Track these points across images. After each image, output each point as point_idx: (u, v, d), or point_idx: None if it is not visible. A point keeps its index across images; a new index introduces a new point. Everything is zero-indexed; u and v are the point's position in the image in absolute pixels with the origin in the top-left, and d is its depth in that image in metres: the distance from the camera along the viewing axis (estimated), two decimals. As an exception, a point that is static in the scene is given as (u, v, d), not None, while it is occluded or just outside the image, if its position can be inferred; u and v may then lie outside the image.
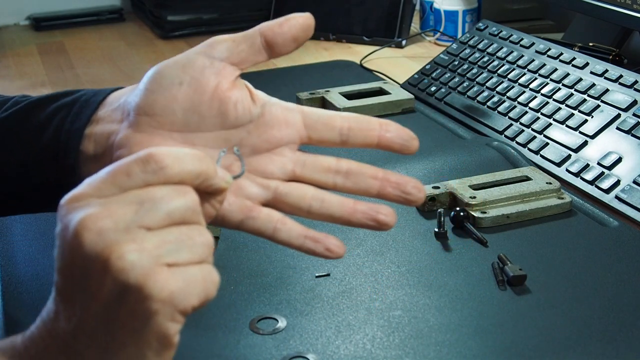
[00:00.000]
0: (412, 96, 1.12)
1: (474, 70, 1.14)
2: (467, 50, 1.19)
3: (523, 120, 1.00)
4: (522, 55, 1.11)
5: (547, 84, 1.03)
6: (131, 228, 0.42)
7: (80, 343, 0.44)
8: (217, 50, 0.56)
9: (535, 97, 1.03)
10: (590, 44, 1.16)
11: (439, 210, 0.77)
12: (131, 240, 0.42)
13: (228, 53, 0.56)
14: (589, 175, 0.87)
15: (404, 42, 1.47)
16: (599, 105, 0.95)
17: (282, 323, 0.64)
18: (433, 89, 1.16)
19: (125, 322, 0.43)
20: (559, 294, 0.67)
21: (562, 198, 0.81)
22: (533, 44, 1.12)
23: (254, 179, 0.55)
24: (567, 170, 0.90)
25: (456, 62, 1.18)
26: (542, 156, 0.94)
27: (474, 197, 0.80)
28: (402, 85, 1.22)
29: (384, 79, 1.25)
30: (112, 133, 0.56)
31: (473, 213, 0.78)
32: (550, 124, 0.97)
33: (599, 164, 0.88)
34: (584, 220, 0.79)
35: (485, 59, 1.15)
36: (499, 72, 1.11)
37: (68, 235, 0.43)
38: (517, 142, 0.98)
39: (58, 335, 0.45)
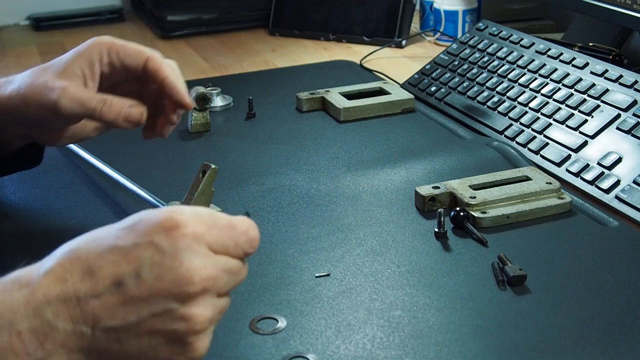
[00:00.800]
0: (412, 96, 1.12)
1: (474, 70, 1.14)
2: (467, 50, 1.19)
3: (523, 120, 1.00)
4: (522, 55, 1.11)
5: (547, 84, 1.03)
6: (217, 295, 0.52)
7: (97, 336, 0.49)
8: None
9: (535, 97, 1.03)
10: (590, 44, 1.16)
11: (439, 210, 0.77)
12: (211, 307, 0.51)
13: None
14: (589, 175, 0.87)
15: (404, 42, 1.47)
16: (599, 105, 0.95)
17: (282, 323, 0.64)
18: (433, 89, 1.16)
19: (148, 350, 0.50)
20: (559, 294, 0.67)
21: (562, 198, 0.81)
22: (533, 44, 1.12)
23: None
24: (567, 170, 0.90)
25: (456, 62, 1.18)
26: (542, 156, 0.94)
27: (474, 197, 0.80)
28: (402, 85, 1.22)
29: (384, 79, 1.25)
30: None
31: (473, 213, 0.78)
32: (550, 124, 0.97)
33: (599, 164, 0.88)
34: (584, 220, 0.79)
35: (485, 59, 1.15)
36: (499, 72, 1.11)
37: (177, 264, 0.49)
38: (517, 142, 0.98)
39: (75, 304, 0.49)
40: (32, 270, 0.49)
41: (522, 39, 1.14)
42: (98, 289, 0.48)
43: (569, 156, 0.92)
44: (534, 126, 0.99)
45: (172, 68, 0.73)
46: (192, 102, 0.73)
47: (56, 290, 0.48)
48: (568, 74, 1.02)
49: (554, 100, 1.00)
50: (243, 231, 0.53)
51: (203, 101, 1.04)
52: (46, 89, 0.71)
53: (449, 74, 1.17)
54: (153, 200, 0.81)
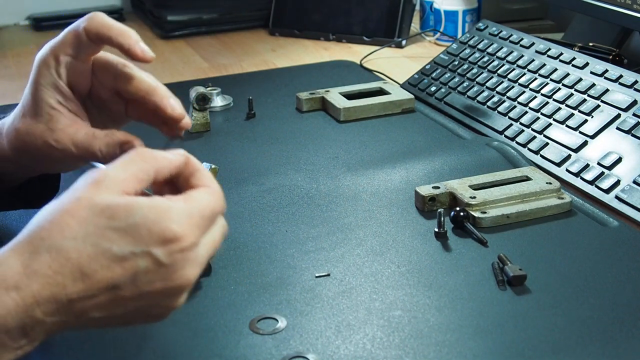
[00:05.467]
0: (412, 96, 1.12)
1: (474, 70, 1.14)
2: (467, 50, 1.19)
3: (523, 120, 1.00)
4: (522, 55, 1.11)
5: (547, 84, 1.03)
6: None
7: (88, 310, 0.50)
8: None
9: (535, 97, 1.03)
10: (590, 44, 1.16)
11: (439, 210, 0.77)
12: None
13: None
14: (589, 175, 0.87)
15: (404, 42, 1.47)
16: (599, 105, 0.95)
17: (282, 323, 0.64)
18: (433, 89, 1.16)
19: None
20: (559, 294, 0.67)
21: (562, 198, 0.81)
22: (533, 44, 1.12)
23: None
24: (567, 170, 0.90)
25: (456, 62, 1.18)
26: (542, 156, 0.94)
27: (474, 197, 0.80)
28: (402, 85, 1.22)
29: (384, 79, 1.25)
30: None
31: (473, 213, 0.78)
32: (550, 124, 0.97)
33: (599, 164, 0.88)
34: (584, 220, 0.79)
35: (485, 59, 1.15)
36: (499, 72, 1.11)
37: (171, 273, 0.51)
38: (517, 142, 0.98)
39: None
40: (16, 268, 0.48)
41: (522, 39, 1.14)
42: (91, 292, 0.49)
43: (569, 156, 0.92)
44: (534, 126, 0.98)
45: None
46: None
47: (47, 293, 0.48)
48: (568, 74, 1.02)
49: (554, 100, 1.00)
50: (220, 209, 0.55)
51: (203, 101, 1.04)
52: (39, 144, 0.66)
53: (449, 74, 1.17)
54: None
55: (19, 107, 0.68)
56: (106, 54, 0.69)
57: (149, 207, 0.50)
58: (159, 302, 0.52)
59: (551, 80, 1.03)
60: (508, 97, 1.06)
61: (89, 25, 0.68)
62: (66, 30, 0.68)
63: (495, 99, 1.07)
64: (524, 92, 1.05)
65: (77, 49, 0.67)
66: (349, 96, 1.12)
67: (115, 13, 1.77)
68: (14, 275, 0.48)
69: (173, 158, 0.55)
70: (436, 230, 0.77)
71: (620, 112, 0.92)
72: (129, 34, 0.66)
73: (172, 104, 0.65)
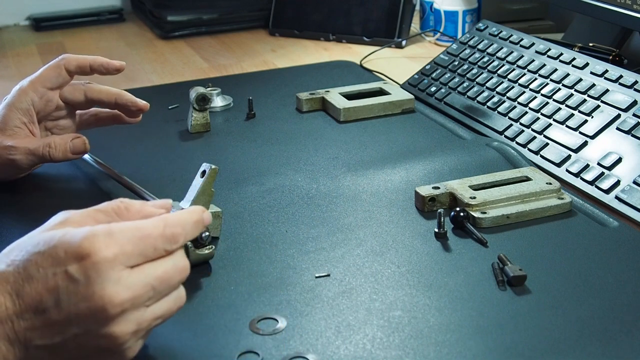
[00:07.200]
0: (412, 96, 1.12)
1: (474, 71, 1.14)
2: (467, 51, 1.19)
3: (523, 120, 1.00)
4: (522, 56, 1.11)
5: (547, 84, 1.03)
6: (141, 309, 0.54)
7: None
8: None
9: (535, 97, 1.03)
10: (590, 44, 1.16)
11: (439, 210, 0.77)
12: (134, 323, 0.53)
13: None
14: (589, 176, 0.87)
15: (404, 43, 1.47)
16: (599, 106, 0.95)
17: (282, 323, 0.64)
18: (433, 89, 1.16)
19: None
20: (559, 294, 0.67)
21: (562, 198, 0.81)
22: (533, 44, 1.12)
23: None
24: (567, 170, 0.90)
25: (456, 63, 1.18)
26: (542, 156, 0.94)
27: (474, 198, 0.80)
28: (402, 86, 1.22)
29: (384, 79, 1.25)
30: None
31: (473, 213, 0.78)
32: (550, 124, 0.97)
33: (599, 164, 0.88)
34: (584, 220, 0.79)
35: (485, 59, 1.15)
36: (499, 72, 1.11)
37: (90, 293, 0.51)
38: (517, 143, 0.98)
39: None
40: None
41: (522, 39, 1.14)
42: (25, 315, 0.52)
43: (569, 156, 0.92)
44: (534, 126, 0.99)
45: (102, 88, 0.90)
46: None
47: None
48: (568, 74, 1.02)
49: (554, 100, 1.00)
50: (158, 234, 0.55)
51: (203, 101, 1.04)
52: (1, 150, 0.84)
53: (449, 74, 1.17)
54: (151, 199, 0.80)
55: None
56: (70, 82, 0.89)
57: (76, 232, 0.53)
58: (92, 329, 0.52)
59: (551, 80, 1.03)
60: (508, 98, 1.06)
61: (67, 61, 0.87)
62: (45, 67, 0.87)
63: (495, 99, 1.07)
64: (524, 92, 1.05)
65: (54, 81, 0.87)
66: (349, 96, 1.12)
67: (115, 13, 1.77)
68: None
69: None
70: (436, 230, 0.77)
71: (620, 112, 0.92)
72: (101, 58, 0.88)
73: (139, 100, 0.90)
